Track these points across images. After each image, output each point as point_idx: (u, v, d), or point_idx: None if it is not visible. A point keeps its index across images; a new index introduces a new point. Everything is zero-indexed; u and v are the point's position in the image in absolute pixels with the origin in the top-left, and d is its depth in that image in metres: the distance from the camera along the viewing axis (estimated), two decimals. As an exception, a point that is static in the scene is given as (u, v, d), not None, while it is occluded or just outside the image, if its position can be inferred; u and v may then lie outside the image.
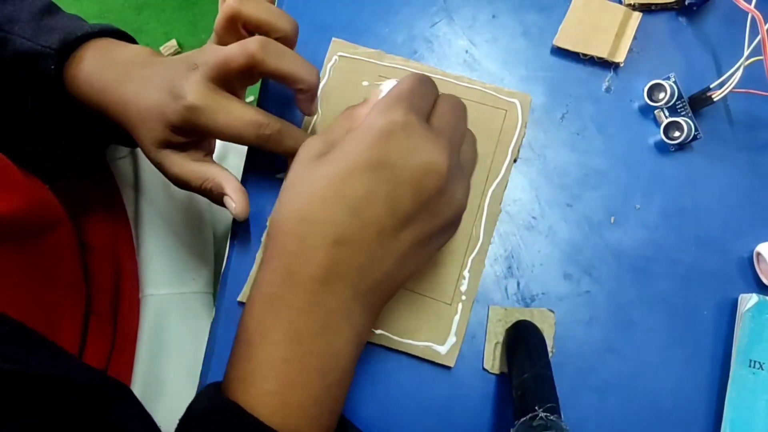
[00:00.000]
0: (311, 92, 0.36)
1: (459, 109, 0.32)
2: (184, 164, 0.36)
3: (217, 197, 0.36)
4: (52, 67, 0.35)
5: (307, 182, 0.28)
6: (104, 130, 0.40)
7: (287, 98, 0.41)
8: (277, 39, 0.35)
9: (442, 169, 0.27)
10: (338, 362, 0.28)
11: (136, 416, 0.32)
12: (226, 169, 0.37)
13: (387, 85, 0.32)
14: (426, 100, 0.30)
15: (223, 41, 0.35)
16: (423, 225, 0.28)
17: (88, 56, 0.36)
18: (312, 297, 0.27)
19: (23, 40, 0.36)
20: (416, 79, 0.30)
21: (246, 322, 0.29)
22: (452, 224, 0.30)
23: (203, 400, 0.29)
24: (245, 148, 0.41)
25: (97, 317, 0.44)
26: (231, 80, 0.34)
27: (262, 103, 0.41)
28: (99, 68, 0.36)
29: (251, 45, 0.33)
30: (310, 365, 0.27)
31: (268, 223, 0.38)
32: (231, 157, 0.56)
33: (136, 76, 0.35)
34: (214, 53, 0.34)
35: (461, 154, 0.31)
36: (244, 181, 0.40)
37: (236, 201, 0.36)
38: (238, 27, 0.35)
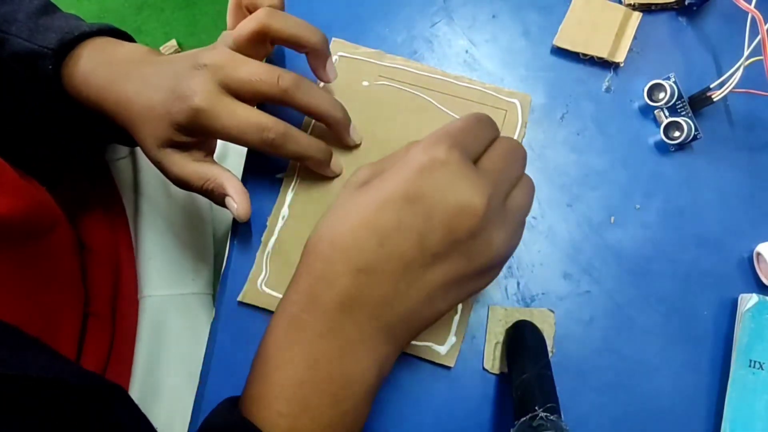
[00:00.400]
0: (319, 53, 0.36)
1: (515, 153, 0.31)
2: (185, 164, 0.35)
3: (218, 198, 0.36)
4: (50, 67, 0.35)
5: (345, 208, 0.28)
6: (104, 129, 0.40)
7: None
8: (307, 53, 0.36)
9: (477, 211, 0.27)
10: (354, 391, 0.28)
11: (132, 418, 0.32)
12: (228, 170, 0.37)
13: None
14: (478, 140, 0.30)
15: (243, 52, 0.35)
16: (453, 266, 0.28)
17: (86, 55, 0.36)
18: (332, 322, 0.27)
19: (21, 40, 0.36)
20: (473, 118, 0.30)
21: (267, 339, 0.29)
22: (488, 271, 0.30)
23: (220, 415, 0.29)
24: (245, 148, 0.41)
25: (96, 318, 0.44)
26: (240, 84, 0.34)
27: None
28: (97, 67, 0.36)
29: (260, 14, 0.34)
30: (324, 390, 0.27)
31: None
32: (231, 157, 0.56)
33: (135, 75, 0.35)
34: (227, 56, 0.34)
35: (509, 200, 0.30)
36: (244, 181, 0.40)
37: (238, 202, 0.36)
38: (265, 41, 0.35)
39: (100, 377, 0.31)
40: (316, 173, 0.39)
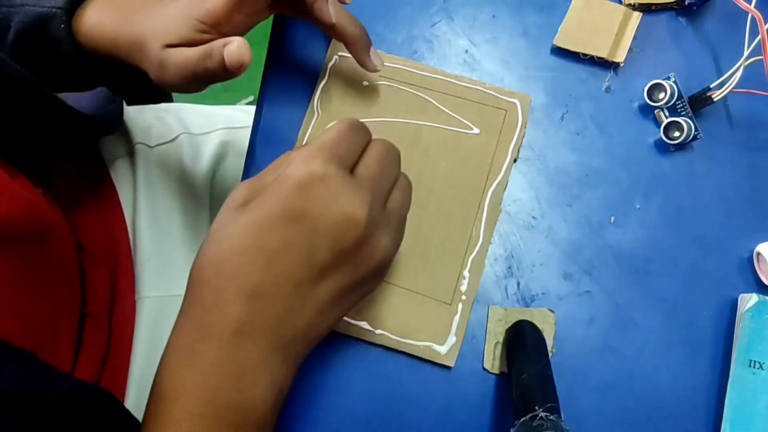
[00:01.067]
0: None
1: (389, 155, 0.31)
2: (183, 50, 0.34)
3: (217, 57, 0.33)
4: (62, 26, 0.35)
5: (226, 232, 0.28)
6: (115, 82, 0.40)
7: (288, 91, 0.41)
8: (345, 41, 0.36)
9: (360, 220, 0.27)
10: (255, 416, 0.27)
11: (121, 422, 0.32)
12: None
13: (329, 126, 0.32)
14: (352, 148, 0.30)
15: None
16: (344, 276, 0.28)
17: (97, 3, 0.36)
18: (227, 350, 0.27)
19: (28, 7, 0.35)
20: (345, 126, 0.30)
21: (160, 374, 0.28)
22: (378, 273, 0.30)
23: None
24: (245, 148, 0.41)
25: (93, 320, 0.43)
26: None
27: (262, 94, 0.41)
28: (108, 12, 0.36)
29: None
30: (223, 419, 0.27)
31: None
32: (230, 157, 0.56)
33: (150, 6, 0.35)
34: None
35: (389, 202, 0.30)
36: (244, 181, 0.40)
37: (235, 40, 0.33)
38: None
39: (86, 384, 0.31)
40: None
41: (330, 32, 0.37)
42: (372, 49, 0.38)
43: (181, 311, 0.28)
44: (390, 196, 0.31)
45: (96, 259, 0.45)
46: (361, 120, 0.40)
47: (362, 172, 0.29)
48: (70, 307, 0.41)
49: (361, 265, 0.28)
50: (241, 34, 0.34)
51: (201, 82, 0.35)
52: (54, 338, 0.39)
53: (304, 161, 0.28)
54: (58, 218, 0.41)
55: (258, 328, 0.27)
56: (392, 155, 0.32)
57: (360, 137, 0.31)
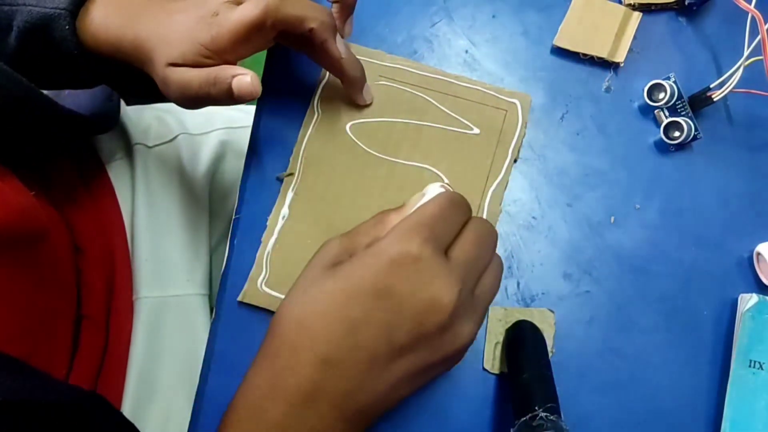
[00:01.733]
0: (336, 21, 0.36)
1: (486, 238, 0.30)
2: (186, 71, 0.34)
3: (223, 85, 0.34)
4: (67, 27, 0.35)
5: (313, 292, 0.28)
6: (119, 83, 0.40)
7: (287, 91, 0.41)
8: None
9: (447, 308, 0.27)
10: None
11: (118, 428, 0.31)
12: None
13: (431, 190, 0.32)
14: (451, 227, 0.29)
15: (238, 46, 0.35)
16: (420, 357, 0.28)
17: (100, 3, 0.36)
18: (293, 413, 0.27)
19: (30, 7, 0.35)
20: (446, 201, 0.29)
21: (227, 421, 0.28)
22: (454, 358, 0.30)
23: None
24: (244, 148, 0.41)
25: (89, 321, 0.43)
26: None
27: (262, 94, 0.41)
28: (112, 12, 0.36)
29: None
30: None
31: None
32: (229, 157, 0.56)
33: (155, 7, 0.35)
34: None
35: (479, 287, 0.30)
36: (244, 181, 0.40)
37: (248, 74, 0.34)
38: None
39: (80, 390, 0.31)
40: (315, 174, 0.39)
41: (331, 70, 0.38)
42: (366, 86, 0.39)
43: (255, 362, 0.29)
44: (481, 280, 0.30)
45: (92, 259, 0.45)
46: (361, 120, 0.40)
47: (458, 255, 0.29)
48: (65, 309, 0.41)
49: (440, 349, 0.28)
50: (242, 58, 0.35)
51: (201, 103, 0.36)
52: (49, 340, 0.38)
53: (400, 238, 0.27)
54: (52, 220, 0.41)
55: (327, 396, 0.27)
56: (490, 238, 0.31)
57: (460, 215, 0.30)
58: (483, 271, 0.30)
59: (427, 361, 0.28)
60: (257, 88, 0.34)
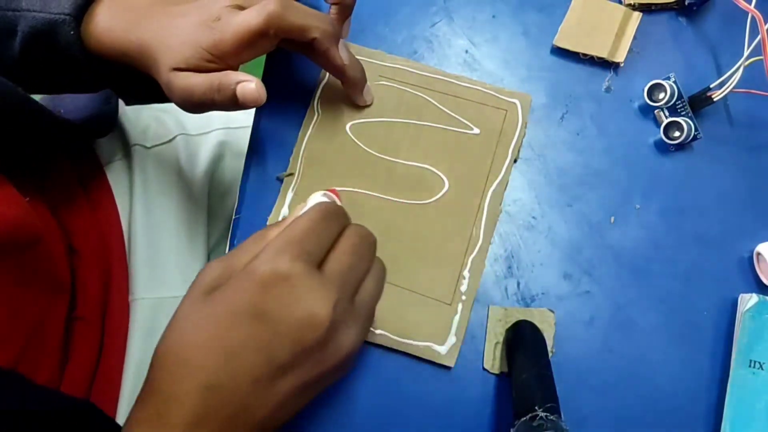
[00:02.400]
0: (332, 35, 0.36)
1: (362, 246, 0.30)
2: (190, 76, 0.34)
3: (227, 92, 0.34)
4: (72, 32, 0.35)
5: (190, 322, 0.28)
6: (123, 87, 0.41)
7: (287, 92, 0.41)
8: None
9: (323, 322, 0.27)
10: None
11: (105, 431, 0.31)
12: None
13: (312, 200, 0.32)
14: (323, 240, 0.29)
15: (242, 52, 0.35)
16: (305, 373, 0.28)
17: (104, 8, 0.36)
18: None
19: (34, 13, 0.35)
20: (317, 214, 0.29)
21: None
22: (340, 368, 0.30)
23: None
24: (244, 148, 0.41)
25: (84, 323, 0.43)
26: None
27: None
28: (117, 15, 0.36)
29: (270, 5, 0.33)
30: None
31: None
32: (228, 158, 0.56)
33: (159, 12, 0.35)
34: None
35: (359, 294, 0.30)
36: (244, 181, 0.40)
37: (253, 80, 0.34)
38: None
39: (68, 398, 0.31)
40: (315, 174, 0.39)
41: (333, 73, 0.38)
42: (366, 87, 0.39)
43: (138, 397, 0.28)
44: (361, 286, 0.30)
45: (88, 260, 0.45)
46: (361, 120, 0.40)
47: (332, 267, 0.29)
48: (57, 311, 0.41)
49: (323, 362, 0.28)
50: (244, 62, 0.35)
51: (204, 109, 0.36)
52: (39, 342, 0.38)
53: (271, 257, 0.27)
54: (47, 224, 0.41)
55: (214, 421, 0.27)
56: (366, 245, 0.31)
57: (333, 226, 0.30)
58: (362, 278, 0.30)
59: (312, 375, 0.28)
60: (262, 94, 0.34)
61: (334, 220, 0.30)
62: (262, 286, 0.27)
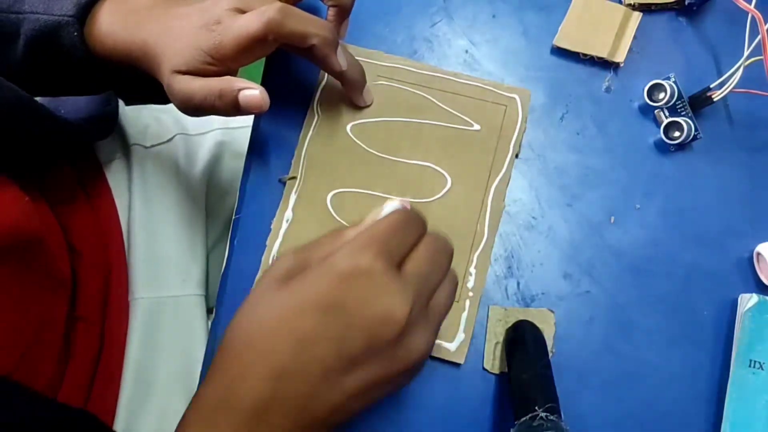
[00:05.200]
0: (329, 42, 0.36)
1: (440, 254, 0.30)
2: (192, 80, 0.35)
3: (228, 98, 0.34)
4: (75, 34, 0.35)
5: (264, 307, 0.28)
6: (127, 87, 0.41)
7: (287, 93, 0.41)
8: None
9: (399, 321, 0.27)
10: None
11: None
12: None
13: (388, 207, 0.31)
14: (404, 242, 0.29)
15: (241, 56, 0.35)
16: (374, 370, 0.28)
17: (106, 11, 0.36)
18: (245, 424, 0.27)
19: (38, 15, 0.35)
20: (400, 217, 0.29)
21: None
22: (406, 373, 0.29)
23: None
24: (243, 148, 0.40)
25: (84, 322, 0.43)
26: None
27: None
28: (120, 18, 0.36)
29: (269, 11, 0.33)
30: None
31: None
32: (227, 158, 0.56)
33: (161, 14, 0.35)
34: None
35: (432, 301, 0.30)
36: (244, 181, 0.40)
37: (257, 88, 0.34)
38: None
39: (65, 408, 0.31)
40: (317, 176, 0.39)
41: (333, 74, 0.38)
42: (366, 87, 0.39)
43: (207, 376, 0.28)
44: (435, 294, 0.30)
45: (88, 260, 0.45)
46: (361, 120, 0.40)
47: (411, 269, 0.29)
48: (57, 311, 0.41)
49: (393, 363, 0.28)
50: (245, 65, 0.35)
51: (204, 113, 0.36)
52: (39, 343, 0.38)
53: (352, 253, 0.27)
54: (47, 225, 0.40)
55: (280, 408, 0.27)
56: (444, 253, 0.31)
57: (414, 230, 0.30)
58: (436, 287, 0.30)
59: (381, 374, 0.28)
60: (266, 102, 0.34)
61: (416, 226, 0.30)
62: (341, 278, 0.27)
